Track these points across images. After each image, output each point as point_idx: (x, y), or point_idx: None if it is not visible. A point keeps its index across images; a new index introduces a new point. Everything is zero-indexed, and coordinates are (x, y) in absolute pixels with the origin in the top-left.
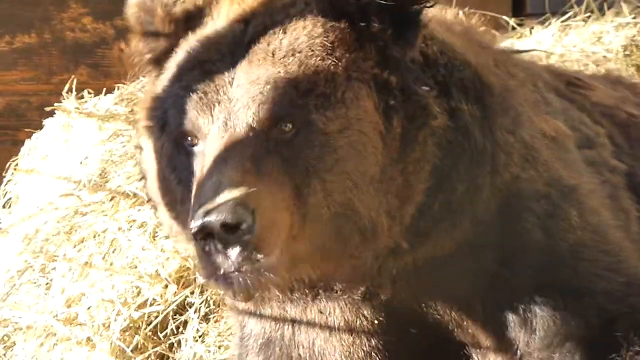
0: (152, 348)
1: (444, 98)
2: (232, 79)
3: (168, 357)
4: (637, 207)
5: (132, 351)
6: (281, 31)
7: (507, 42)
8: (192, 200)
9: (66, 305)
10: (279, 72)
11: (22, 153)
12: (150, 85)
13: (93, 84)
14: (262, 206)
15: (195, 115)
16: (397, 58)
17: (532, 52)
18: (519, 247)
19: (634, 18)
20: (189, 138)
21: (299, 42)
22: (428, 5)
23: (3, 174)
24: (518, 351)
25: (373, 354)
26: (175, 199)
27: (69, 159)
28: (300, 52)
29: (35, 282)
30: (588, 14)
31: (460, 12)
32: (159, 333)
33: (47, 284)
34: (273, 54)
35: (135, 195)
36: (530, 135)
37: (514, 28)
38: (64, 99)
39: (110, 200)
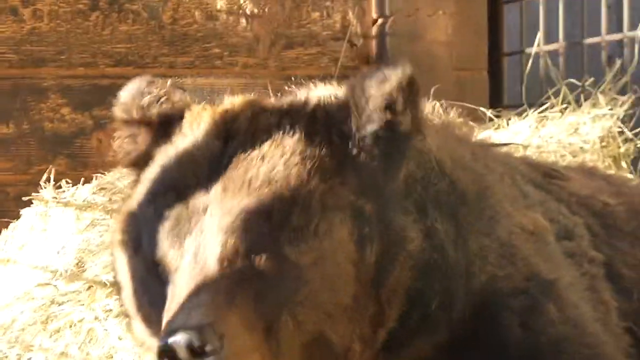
0: None
1: (420, 219)
2: (207, 206)
3: None
4: (615, 298)
5: None
6: (260, 157)
7: (484, 133)
8: (162, 326)
9: None
10: (252, 203)
11: None
12: (128, 189)
13: (71, 174)
14: (231, 332)
15: (167, 246)
16: (378, 187)
17: (510, 145)
18: (498, 344)
19: (611, 109)
20: (160, 267)
21: (275, 171)
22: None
23: None
24: None
25: None
26: (150, 315)
27: (46, 248)
28: (276, 181)
29: None
30: (565, 105)
31: (438, 105)
32: None
33: None
34: (249, 184)
35: (112, 284)
36: (508, 232)
37: (491, 119)
38: (42, 189)
39: (87, 289)
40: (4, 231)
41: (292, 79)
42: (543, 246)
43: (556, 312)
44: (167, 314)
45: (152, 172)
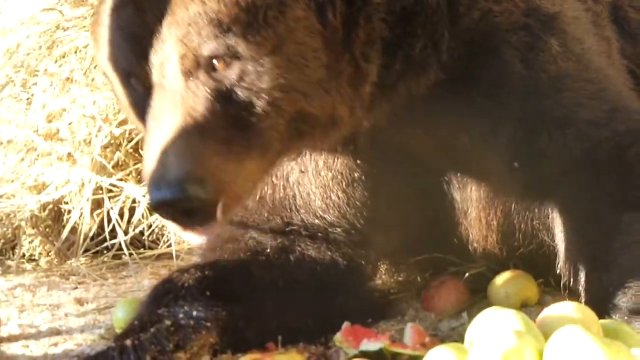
0: (133, 165)
1: None
2: (163, 18)
3: None
4: (618, 39)
5: (112, 167)
6: None
7: None
8: (145, 152)
9: (47, 120)
10: (199, 11)
11: None
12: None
13: None
14: (213, 168)
15: (134, 61)
16: None
17: None
18: (500, 79)
19: None
20: (134, 80)
21: None
22: None
23: None
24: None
25: (354, 184)
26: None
27: None
28: None
29: (16, 97)
30: None
31: None
32: (139, 150)
33: (28, 99)
34: None
35: None
36: None
37: None
38: None
39: (92, 15)
40: None
41: None
42: None
43: (558, 47)
44: (149, 141)
45: None
